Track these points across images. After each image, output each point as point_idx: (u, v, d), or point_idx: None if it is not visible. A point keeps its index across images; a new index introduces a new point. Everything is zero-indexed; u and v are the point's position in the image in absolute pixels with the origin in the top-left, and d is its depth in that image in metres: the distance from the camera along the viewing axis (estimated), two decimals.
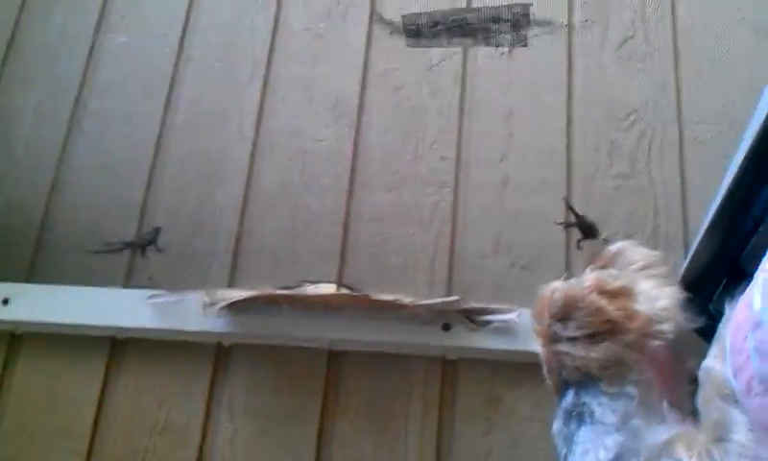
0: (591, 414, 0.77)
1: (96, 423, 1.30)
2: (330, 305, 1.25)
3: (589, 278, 0.84)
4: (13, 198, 1.49)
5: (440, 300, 1.22)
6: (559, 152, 1.34)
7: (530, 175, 1.34)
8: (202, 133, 1.48)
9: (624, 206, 1.29)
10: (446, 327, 1.21)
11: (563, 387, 0.82)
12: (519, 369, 1.20)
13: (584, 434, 0.77)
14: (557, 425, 0.82)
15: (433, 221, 1.33)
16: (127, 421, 1.29)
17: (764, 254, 0.63)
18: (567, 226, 1.28)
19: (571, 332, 0.80)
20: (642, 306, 0.79)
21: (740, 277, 0.88)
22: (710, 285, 0.95)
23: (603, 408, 0.76)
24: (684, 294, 0.83)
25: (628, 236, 1.25)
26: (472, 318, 1.20)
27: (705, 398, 0.70)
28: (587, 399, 0.78)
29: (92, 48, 1.59)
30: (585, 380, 0.79)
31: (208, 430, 1.26)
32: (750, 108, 1.28)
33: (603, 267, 0.89)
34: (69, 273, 1.40)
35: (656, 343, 0.78)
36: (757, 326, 0.58)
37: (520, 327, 1.18)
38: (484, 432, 1.19)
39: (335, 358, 1.27)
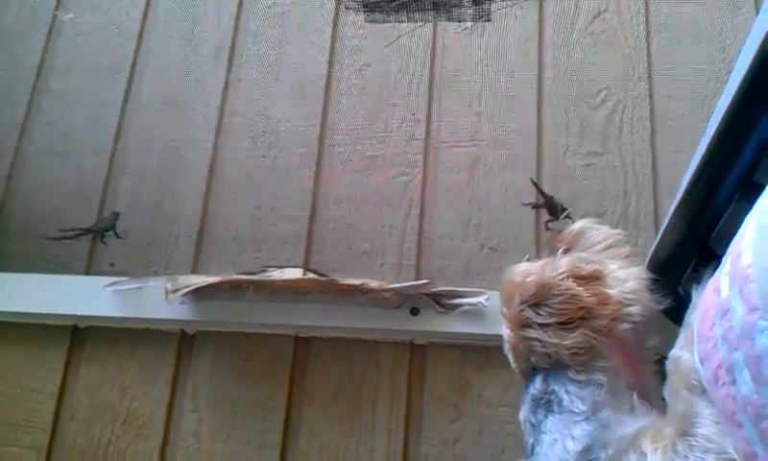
0: (560, 402, 0.75)
1: (56, 415, 1.27)
2: (296, 291, 1.22)
3: (563, 262, 0.81)
4: None
5: (408, 283, 1.19)
6: (529, 130, 1.31)
7: (500, 154, 1.31)
8: (164, 116, 1.44)
9: (594, 184, 1.27)
10: (415, 312, 1.19)
11: (530, 373, 0.80)
12: (488, 353, 1.18)
13: (551, 423, 0.75)
14: (523, 413, 0.80)
15: (401, 203, 1.30)
16: (88, 412, 1.26)
17: (733, 236, 0.61)
18: (535, 207, 1.26)
19: (544, 318, 0.77)
20: (614, 291, 0.78)
21: (709, 258, 0.87)
22: (679, 266, 0.94)
23: (571, 396, 0.74)
24: (650, 275, 0.81)
25: (598, 215, 1.24)
26: (441, 302, 1.18)
27: (672, 388, 0.68)
28: (555, 386, 0.76)
29: (51, 28, 1.55)
30: (554, 367, 0.77)
31: (172, 420, 1.24)
32: (722, 82, 1.28)
33: (566, 249, 0.87)
34: (29, 260, 1.37)
35: (624, 326, 0.76)
36: (725, 313, 0.56)
37: (489, 311, 1.16)
38: (452, 418, 1.17)
39: (302, 344, 1.24)
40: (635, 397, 0.75)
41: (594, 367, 0.75)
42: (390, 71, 1.40)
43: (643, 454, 0.65)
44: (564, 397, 0.75)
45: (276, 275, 1.25)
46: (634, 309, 0.77)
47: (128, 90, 1.47)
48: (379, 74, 1.40)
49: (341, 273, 1.25)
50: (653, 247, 0.99)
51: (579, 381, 0.75)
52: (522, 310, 0.79)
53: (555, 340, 0.76)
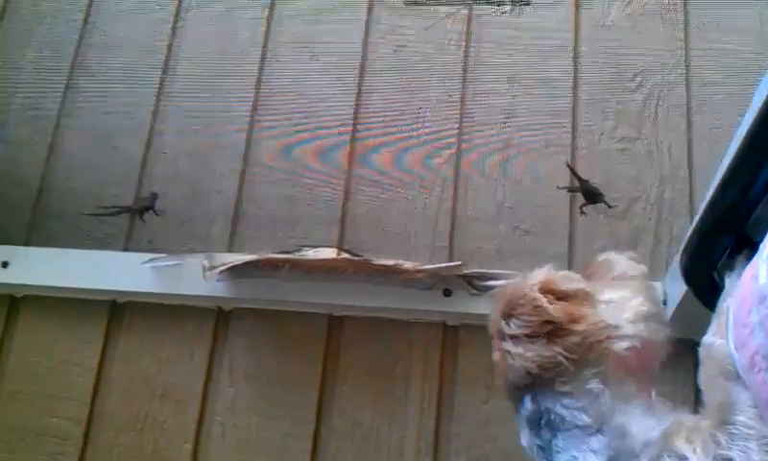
0: (562, 419, 0.73)
1: (95, 388, 1.30)
2: (330, 270, 1.24)
3: (537, 275, 0.81)
4: (12, 161, 1.48)
5: (441, 265, 1.20)
6: (564, 114, 1.31)
7: (534, 138, 1.31)
8: (201, 96, 1.46)
9: (629, 169, 1.27)
10: (447, 293, 1.20)
11: (518, 393, 0.79)
12: None
13: (563, 441, 0.73)
14: (525, 439, 0.78)
15: (435, 185, 1.31)
16: (126, 386, 1.29)
17: None
18: (570, 190, 1.26)
19: (514, 330, 0.77)
20: (600, 313, 0.77)
21: (746, 245, 0.86)
22: (715, 252, 0.93)
23: (570, 410, 0.73)
24: (652, 306, 0.80)
25: (633, 201, 1.24)
26: (473, 283, 1.19)
27: (706, 375, 0.67)
28: (547, 404, 0.74)
29: (90, 6, 1.57)
30: (537, 383, 0.76)
31: (208, 395, 1.26)
32: (760, 67, 1.27)
33: (589, 275, 0.87)
34: (69, 236, 1.39)
35: (620, 347, 0.75)
36: (763, 299, 0.56)
37: None
38: (484, 399, 1.18)
39: (336, 323, 1.26)
40: (653, 395, 0.74)
41: (582, 377, 0.74)
42: (426, 52, 1.40)
43: (682, 457, 0.64)
44: (564, 412, 0.73)
45: (311, 254, 1.26)
46: (623, 333, 0.76)
47: (165, 69, 1.48)
48: (415, 55, 1.40)
49: (374, 253, 1.26)
50: (688, 232, 0.99)
51: (570, 394, 0.73)
52: (498, 322, 0.80)
53: (521, 351, 0.75)
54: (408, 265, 1.20)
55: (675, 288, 1.05)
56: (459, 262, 1.20)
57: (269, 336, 1.27)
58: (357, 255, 1.26)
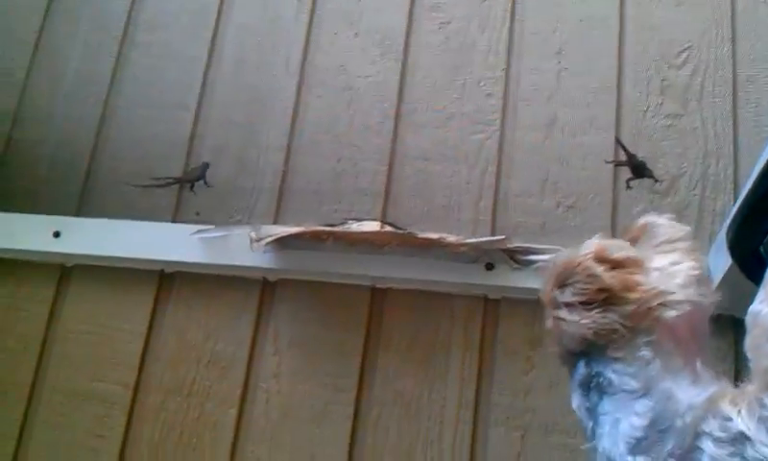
0: (610, 383, 0.75)
1: (143, 355, 1.33)
2: (374, 243, 1.25)
3: (591, 244, 0.82)
4: (63, 133, 1.52)
5: (484, 239, 1.22)
6: (609, 90, 1.31)
7: (578, 114, 1.31)
8: (248, 70, 1.48)
9: (674, 146, 1.26)
10: (489, 267, 1.21)
11: (572, 359, 0.80)
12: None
13: (608, 404, 0.75)
14: (576, 400, 0.80)
15: (479, 160, 1.32)
16: (174, 353, 1.33)
17: None
18: (617, 164, 1.26)
19: (569, 298, 0.78)
20: (653, 280, 0.77)
21: None
22: (762, 228, 0.93)
23: (620, 376, 0.74)
24: (703, 269, 0.80)
25: (677, 177, 1.23)
26: (516, 258, 1.20)
27: (753, 343, 0.68)
28: (599, 368, 0.76)
29: None
30: (591, 349, 0.77)
31: (253, 363, 1.29)
32: None
33: (632, 240, 0.87)
34: (118, 207, 1.43)
35: (671, 313, 0.76)
36: None
37: None
38: (524, 371, 1.20)
39: (378, 295, 1.28)
40: (698, 366, 0.74)
41: (635, 344, 0.74)
42: (470, 28, 1.41)
43: (726, 417, 0.65)
44: (613, 377, 0.74)
45: (355, 227, 1.28)
46: (674, 298, 0.77)
47: (212, 44, 1.51)
48: (459, 31, 1.41)
49: (418, 227, 1.27)
50: (734, 208, 0.99)
51: (622, 359, 0.74)
52: (552, 291, 0.81)
53: (576, 319, 0.76)
54: (451, 239, 1.21)
55: (719, 263, 1.05)
56: (503, 236, 1.21)
57: (313, 306, 1.30)
58: (401, 229, 1.27)
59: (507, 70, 1.36)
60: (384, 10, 1.45)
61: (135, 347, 1.34)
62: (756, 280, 0.89)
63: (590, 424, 0.77)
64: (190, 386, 1.30)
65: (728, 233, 0.98)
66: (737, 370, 1.12)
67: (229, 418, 1.27)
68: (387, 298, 1.28)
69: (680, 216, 1.19)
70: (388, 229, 1.28)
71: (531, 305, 1.21)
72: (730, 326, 1.15)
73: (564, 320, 0.78)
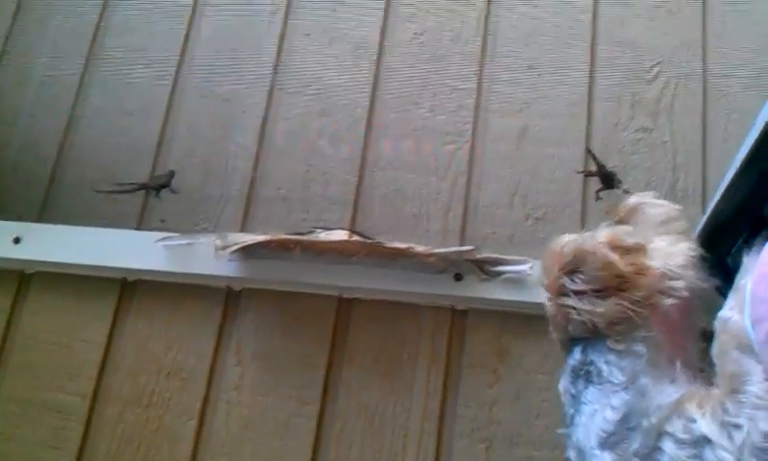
0: (599, 373, 0.75)
1: (103, 364, 1.30)
2: (342, 253, 1.24)
3: (603, 232, 0.81)
4: (28, 136, 1.49)
5: (453, 249, 1.20)
6: (580, 103, 1.31)
7: (549, 125, 1.31)
8: (219, 76, 1.46)
9: (644, 159, 1.27)
10: (458, 277, 1.20)
11: (570, 343, 0.80)
12: (529, 320, 1.19)
13: (591, 394, 0.75)
14: (563, 383, 0.80)
15: (449, 170, 1.31)
16: (134, 363, 1.29)
17: None
18: (588, 174, 1.26)
19: (579, 286, 0.77)
20: (656, 263, 0.77)
21: (761, 229, 0.86)
22: (730, 239, 0.93)
23: (610, 367, 0.74)
24: (700, 250, 0.81)
25: (647, 190, 1.23)
26: (484, 268, 1.19)
27: (720, 349, 0.68)
28: (593, 356, 0.76)
29: None
30: (592, 337, 0.77)
31: (215, 374, 1.26)
32: None
33: (620, 221, 0.87)
34: (81, 213, 1.40)
35: (668, 301, 0.76)
36: None
37: (532, 279, 1.16)
38: (490, 383, 1.18)
39: (345, 305, 1.26)
40: (678, 366, 0.74)
41: (634, 337, 0.74)
42: (443, 39, 1.40)
43: (690, 419, 0.66)
44: (604, 367, 0.74)
45: (323, 236, 1.26)
46: (678, 284, 0.77)
47: (183, 49, 1.49)
48: (432, 41, 1.41)
49: (387, 236, 1.26)
50: (703, 219, 0.99)
51: (618, 351, 0.74)
52: (559, 278, 0.80)
53: (589, 307, 0.76)
54: (420, 249, 1.19)
55: None
56: (471, 247, 1.20)
57: (278, 316, 1.27)
58: (369, 238, 1.26)
59: (479, 82, 1.36)
60: (358, 18, 1.45)
61: (94, 356, 1.30)
62: (723, 292, 0.89)
63: (572, 411, 0.77)
64: (149, 397, 1.27)
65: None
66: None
67: (189, 430, 1.23)
68: (354, 308, 1.26)
69: None
70: (356, 238, 1.27)
71: (498, 317, 1.21)
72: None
73: (573, 308, 0.77)
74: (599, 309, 0.75)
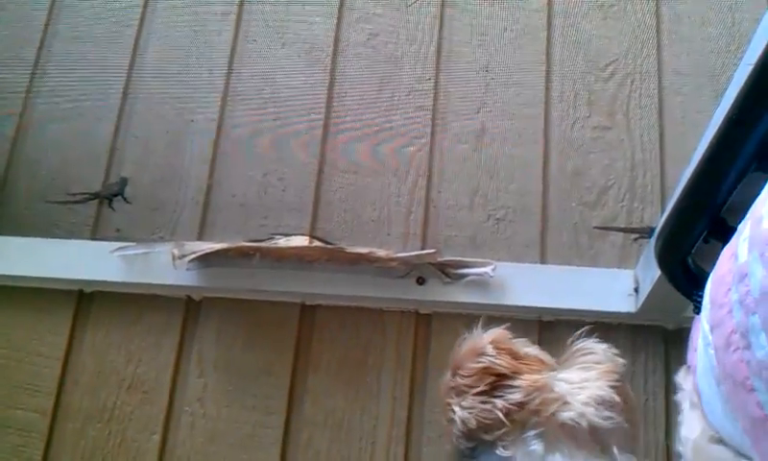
0: None
1: (62, 379, 1.27)
2: (303, 259, 1.22)
3: (491, 332, 0.79)
4: None
5: (415, 253, 1.20)
6: (536, 102, 1.32)
7: (507, 125, 1.31)
8: (170, 81, 1.43)
9: (602, 157, 1.27)
10: (421, 281, 1.19)
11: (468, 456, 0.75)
12: (493, 323, 1.18)
13: None
14: None
15: (409, 173, 1.30)
16: (94, 377, 1.27)
17: (748, 207, 0.61)
18: (604, 228, 1.26)
19: (457, 382, 0.75)
20: (556, 386, 0.74)
21: (721, 229, 0.87)
22: (689, 238, 0.94)
23: None
24: (617, 396, 0.75)
25: (605, 189, 1.24)
26: (447, 271, 1.19)
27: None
28: None
29: None
30: (480, 446, 0.73)
31: (177, 386, 1.24)
32: (730, 57, 1.28)
33: (563, 361, 0.83)
34: (34, 225, 1.36)
35: (567, 417, 0.72)
36: (743, 277, 0.56)
37: (495, 281, 1.16)
38: None
39: (308, 312, 1.25)
40: (615, 451, 0.72)
41: (524, 439, 0.70)
42: (398, 40, 1.39)
43: None
44: None
45: (283, 242, 1.25)
46: (567, 414, 0.72)
47: (134, 53, 1.46)
48: (387, 42, 1.40)
49: (347, 241, 1.25)
50: (662, 218, 1.00)
51: (512, 459, 0.70)
52: (447, 377, 0.77)
53: (462, 406, 0.72)
54: (381, 253, 1.19)
55: (648, 274, 1.06)
56: (433, 250, 1.20)
57: (239, 326, 1.26)
58: (330, 244, 1.25)
59: (436, 82, 1.35)
60: (311, 20, 1.43)
61: (53, 371, 1.27)
62: (685, 292, 0.90)
63: None
64: (111, 411, 1.24)
65: (656, 245, 0.98)
66: (667, 381, 1.13)
67: (153, 444, 1.21)
68: (317, 315, 1.25)
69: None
70: (317, 244, 1.25)
71: (463, 320, 1.19)
72: (660, 337, 1.16)
73: (449, 406, 0.74)
74: (466, 404, 0.72)
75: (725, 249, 0.63)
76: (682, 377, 0.70)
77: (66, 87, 1.46)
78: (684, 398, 0.67)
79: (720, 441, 0.60)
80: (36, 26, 1.51)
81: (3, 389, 1.28)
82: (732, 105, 0.78)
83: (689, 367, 0.68)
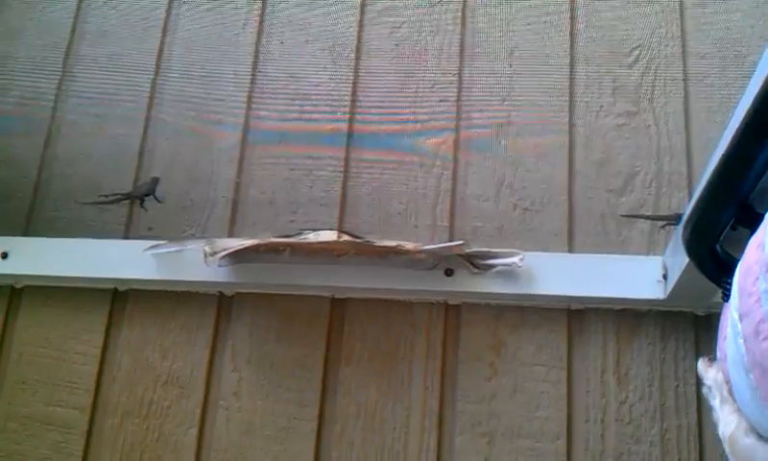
0: None
1: (99, 376, 1.30)
2: (332, 253, 1.24)
3: None
4: (8, 151, 1.47)
5: (442, 244, 1.20)
6: (561, 91, 1.31)
7: (532, 115, 1.31)
8: (197, 80, 1.45)
9: (628, 144, 1.27)
10: (449, 273, 1.20)
11: None
12: (522, 312, 1.20)
13: None
14: None
15: (434, 165, 1.31)
16: (130, 373, 1.29)
17: None
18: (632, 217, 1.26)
19: None
20: None
21: (749, 216, 0.87)
22: (717, 225, 0.93)
23: None
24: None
25: (631, 176, 1.24)
26: (475, 262, 1.19)
27: None
28: None
29: None
30: None
31: (212, 380, 1.26)
32: (755, 39, 1.27)
33: None
34: (68, 226, 1.39)
35: None
36: None
37: (523, 271, 1.17)
38: (487, 376, 1.19)
39: (338, 306, 1.26)
40: None
41: None
42: (421, 32, 1.40)
43: None
44: None
45: (312, 237, 1.26)
46: None
47: (159, 55, 1.48)
48: (410, 35, 1.40)
49: (375, 235, 1.26)
50: (689, 205, 1.00)
51: None
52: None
53: None
54: (409, 246, 1.20)
55: (677, 261, 1.06)
56: (460, 242, 1.20)
57: (271, 320, 1.28)
58: (358, 237, 1.26)
59: (460, 74, 1.36)
60: (334, 15, 1.44)
61: (90, 368, 1.30)
62: (714, 278, 0.90)
63: None
64: (148, 407, 1.27)
65: (683, 232, 0.98)
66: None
67: (190, 438, 1.24)
68: (347, 308, 1.26)
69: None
70: (345, 238, 1.27)
71: (492, 310, 1.21)
72: (690, 322, 1.16)
73: None
74: None
75: (752, 238, 0.64)
76: (702, 369, 0.70)
77: (94, 90, 1.48)
78: (712, 393, 0.68)
79: (754, 432, 0.61)
80: (64, 28, 1.54)
81: (44, 387, 1.31)
82: (760, 88, 0.77)
83: (709, 358, 0.68)
